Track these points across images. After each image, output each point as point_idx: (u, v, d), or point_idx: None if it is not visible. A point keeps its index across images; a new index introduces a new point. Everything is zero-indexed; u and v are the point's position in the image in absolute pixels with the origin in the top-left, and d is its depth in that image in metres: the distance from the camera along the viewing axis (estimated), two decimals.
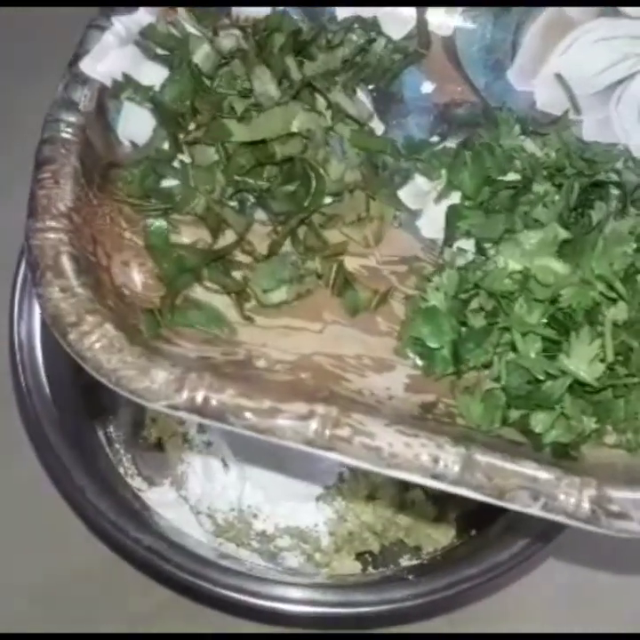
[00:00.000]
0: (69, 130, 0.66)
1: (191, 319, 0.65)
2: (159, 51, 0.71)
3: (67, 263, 0.61)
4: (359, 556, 0.97)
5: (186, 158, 0.69)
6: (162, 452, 1.01)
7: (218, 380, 0.57)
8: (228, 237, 0.68)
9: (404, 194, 0.73)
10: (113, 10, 0.69)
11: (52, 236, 0.63)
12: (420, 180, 0.73)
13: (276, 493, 0.94)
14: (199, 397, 0.57)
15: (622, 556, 0.94)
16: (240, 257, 0.68)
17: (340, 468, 0.95)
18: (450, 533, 0.97)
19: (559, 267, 0.61)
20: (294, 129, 0.68)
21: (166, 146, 0.69)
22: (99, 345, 0.58)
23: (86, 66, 0.68)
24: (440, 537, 0.96)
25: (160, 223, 0.68)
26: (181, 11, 0.71)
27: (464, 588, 0.83)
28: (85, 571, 0.95)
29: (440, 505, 0.97)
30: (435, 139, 0.75)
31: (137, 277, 0.66)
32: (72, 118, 0.67)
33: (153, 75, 0.70)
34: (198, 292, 0.66)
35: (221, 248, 0.67)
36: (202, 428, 0.98)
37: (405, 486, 0.95)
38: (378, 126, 0.75)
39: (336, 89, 0.71)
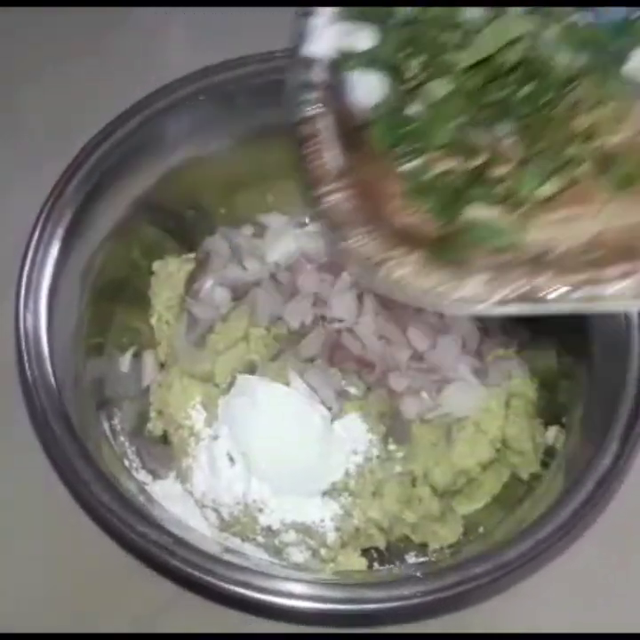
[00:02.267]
0: (315, 107, 0.73)
1: (473, 240, 0.68)
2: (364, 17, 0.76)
3: (357, 214, 0.68)
4: (365, 551, 0.98)
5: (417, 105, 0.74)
6: (167, 445, 1.00)
7: (532, 268, 0.64)
8: (482, 157, 0.73)
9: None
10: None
11: (337, 195, 0.69)
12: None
13: (282, 488, 0.95)
14: (523, 287, 0.64)
15: (631, 559, 0.98)
16: (499, 170, 0.72)
17: (346, 464, 0.95)
18: (457, 531, 0.99)
19: None
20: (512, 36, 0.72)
21: (396, 98, 0.75)
22: (409, 271, 0.65)
23: (307, 50, 0.75)
24: (447, 534, 0.99)
25: (414, 164, 0.72)
26: None
27: (472, 586, 0.85)
28: (90, 564, 0.97)
29: (446, 502, 0.99)
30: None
31: (410, 220, 0.70)
32: (313, 95, 0.73)
33: (365, 40, 0.76)
34: (471, 213, 0.70)
35: (478, 165, 0.71)
36: (208, 422, 0.97)
37: (412, 482, 0.96)
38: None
39: None
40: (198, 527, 0.95)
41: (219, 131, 1.09)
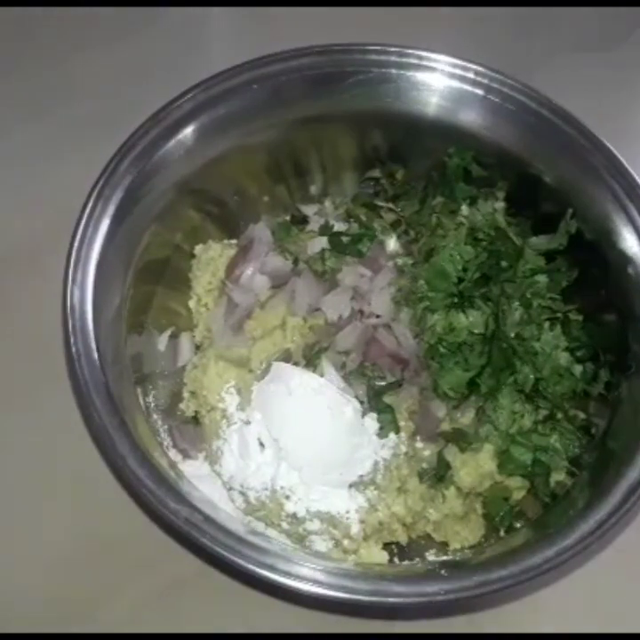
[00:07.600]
0: None
1: None
2: None
3: None
4: (386, 545, 0.99)
5: None
6: (198, 425, 1.01)
7: None
8: None
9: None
10: None
11: None
12: None
13: (311, 477, 0.95)
14: None
15: None
16: None
17: (374, 458, 0.96)
18: (478, 532, 1.00)
19: None
20: None
21: None
22: None
23: None
24: (468, 535, 0.99)
25: None
26: None
27: (495, 587, 0.85)
28: (119, 533, 0.98)
29: (470, 502, 0.99)
30: None
31: None
32: None
33: None
34: None
35: None
36: (241, 406, 0.98)
37: (440, 478, 0.97)
38: None
39: None
40: (224, 508, 0.96)
41: (267, 120, 1.10)
